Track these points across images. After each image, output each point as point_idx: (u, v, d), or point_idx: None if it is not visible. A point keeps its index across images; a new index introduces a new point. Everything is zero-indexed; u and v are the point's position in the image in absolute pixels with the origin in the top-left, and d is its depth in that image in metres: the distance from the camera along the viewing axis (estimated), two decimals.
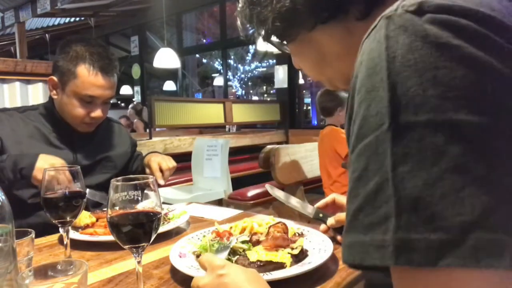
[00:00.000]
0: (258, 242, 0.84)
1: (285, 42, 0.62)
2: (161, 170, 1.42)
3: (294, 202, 1.07)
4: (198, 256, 0.84)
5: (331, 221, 0.96)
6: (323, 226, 0.98)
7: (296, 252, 0.79)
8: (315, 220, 1.01)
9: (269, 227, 0.88)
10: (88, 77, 1.30)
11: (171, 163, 1.44)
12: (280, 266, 0.75)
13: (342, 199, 1.02)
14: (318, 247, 0.86)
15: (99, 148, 1.47)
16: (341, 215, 0.94)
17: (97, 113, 1.35)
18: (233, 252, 0.82)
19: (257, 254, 0.78)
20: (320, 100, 2.98)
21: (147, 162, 1.48)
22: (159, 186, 1.40)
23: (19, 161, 1.16)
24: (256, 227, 0.92)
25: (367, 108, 0.39)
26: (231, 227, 0.95)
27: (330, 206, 1.03)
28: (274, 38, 0.61)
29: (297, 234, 0.91)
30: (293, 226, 0.95)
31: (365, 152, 0.38)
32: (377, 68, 0.38)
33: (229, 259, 0.79)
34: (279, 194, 1.10)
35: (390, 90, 0.37)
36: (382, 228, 0.35)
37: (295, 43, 0.60)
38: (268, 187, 1.10)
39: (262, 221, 0.94)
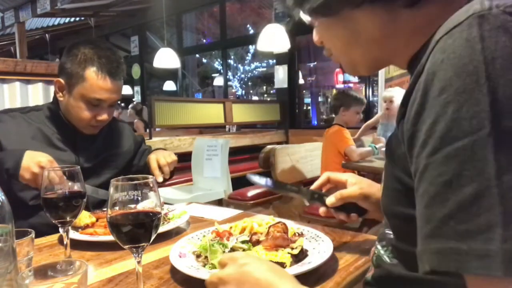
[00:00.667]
0: (258, 242, 0.84)
1: (319, 14, 0.58)
2: (160, 167, 1.40)
3: (287, 186, 0.97)
4: (198, 256, 0.84)
5: (331, 199, 0.85)
6: (322, 209, 0.89)
7: (296, 252, 0.79)
8: (312, 202, 0.90)
9: (269, 227, 0.88)
10: (97, 80, 1.30)
11: (170, 157, 1.42)
12: (280, 266, 0.75)
13: (338, 176, 0.92)
14: (318, 247, 0.86)
15: (101, 149, 1.47)
16: (343, 192, 0.85)
17: (104, 116, 1.35)
18: (233, 252, 0.82)
19: (257, 254, 0.78)
20: (331, 98, 3.04)
21: (147, 161, 1.47)
22: (160, 184, 1.39)
23: (4, 161, 1.14)
24: (256, 227, 0.92)
25: (458, 110, 0.37)
26: (231, 227, 0.95)
27: (325, 186, 0.94)
28: (306, 6, 0.56)
29: (297, 234, 0.91)
30: (293, 226, 0.95)
31: (457, 156, 0.37)
32: (470, 68, 0.37)
33: None
34: (261, 182, 0.99)
35: (491, 94, 0.36)
36: (484, 237, 0.34)
37: (331, 17, 0.57)
38: (250, 177, 0.98)
39: (262, 221, 0.94)
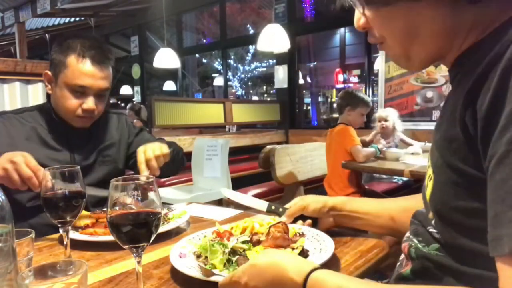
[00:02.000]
0: (258, 242, 0.84)
1: (375, 4, 0.57)
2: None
3: (247, 200, 1.12)
4: (198, 256, 0.84)
5: (283, 219, 1.00)
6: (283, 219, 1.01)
7: (296, 252, 0.79)
8: (269, 214, 1.05)
9: (270, 227, 0.87)
10: (77, 65, 1.27)
11: (159, 150, 1.23)
12: None
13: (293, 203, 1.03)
14: (319, 247, 0.86)
15: (96, 145, 1.44)
16: (290, 211, 1.00)
17: (89, 104, 1.31)
18: (233, 252, 0.82)
19: (257, 254, 0.78)
20: (338, 97, 3.09)
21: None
22: (161, 184, 1.36)
23: None
24: (257, 227, 0.92)
25: None
26: (232, 227, 0.95)
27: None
28: None
29: (297, 234, 0.91)
30: (294, 226, 0.95)
31: None
32: None
33: (229, 259, 0.79)
34: (229, 195, 1.16)
35: None
36: None
37: (390, 8, 0.56)
38: (222, 191, 1.19)
39: (262, 221, 0.94)
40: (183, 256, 0.84)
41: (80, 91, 1.30)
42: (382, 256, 0.90)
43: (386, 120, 3.13)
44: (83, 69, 1.28)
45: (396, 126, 3.17)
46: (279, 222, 0.89)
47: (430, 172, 0.61)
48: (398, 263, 0.73)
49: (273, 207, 1.05)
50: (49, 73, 1.34)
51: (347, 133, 2.79)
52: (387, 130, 3.14)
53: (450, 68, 0.63)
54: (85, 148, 1.41)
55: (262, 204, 1.09)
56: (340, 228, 1.03)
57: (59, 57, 1.30)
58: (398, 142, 3.17)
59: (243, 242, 0.84)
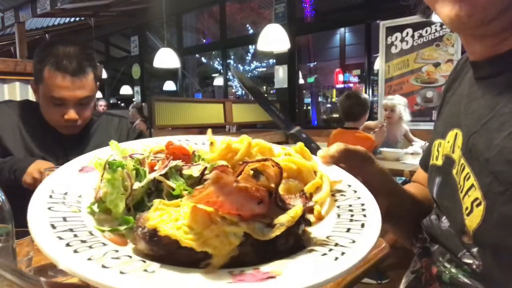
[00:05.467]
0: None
1: None
2: None
3: (273, 108, 0.67)
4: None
5: (331, 150, 0.57)
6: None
7: (266, 234, 0.34)
8: (291, 137, 0.66)
9: (245, 163, 0.41)
10: (52, 79, 1.25)
11: None
12: (196, 262, 0.33)
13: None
14: (343, 237, 0.41)
15: (91, 146, 1.44)
16: (332, 150, 0.58)
17: (70, 114, 1.29)
18: (155, 191, 0.42)
19: (168, 216, 0.35)
20: (347, 105, 2.86)
21: None
22: None
23: (15, 163, 1.20)
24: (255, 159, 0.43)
25: None
26: (212, 143, 0.52)
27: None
28: None
29: (304, 195, 0.43)
30: (326, 176, 0.48)
31: None
32: None
33: (139, 204, 0.40)
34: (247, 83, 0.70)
35: None
36: None
37: None
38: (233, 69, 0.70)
39: (277, 151, 0.51)
40: (88, 170, 0.47)
41: (59, 103, 1.29)
42: (382, 256, 0.90)
43: (392, 110, 3.01)
44: (58, 82, 1.25)
45: (403, 117, 3.02)
46: (270, 160, 0.40)
47: (476, 194, 0.51)
48: (412, 273, 0.66)
49: (303, 135, 0.64)
50: (33, 83, 1.35)
51: (370, 144, 2.70)
52: (393, 120, 3.04)
53: (491, 57, 0.54)
54: (79, 149, 1.40)
55: (284, 121, 0.63)
56: None
57: (38, 66, 1.29)
58: (402, 138, 3.07)
59: (189, 178, 0.41)
